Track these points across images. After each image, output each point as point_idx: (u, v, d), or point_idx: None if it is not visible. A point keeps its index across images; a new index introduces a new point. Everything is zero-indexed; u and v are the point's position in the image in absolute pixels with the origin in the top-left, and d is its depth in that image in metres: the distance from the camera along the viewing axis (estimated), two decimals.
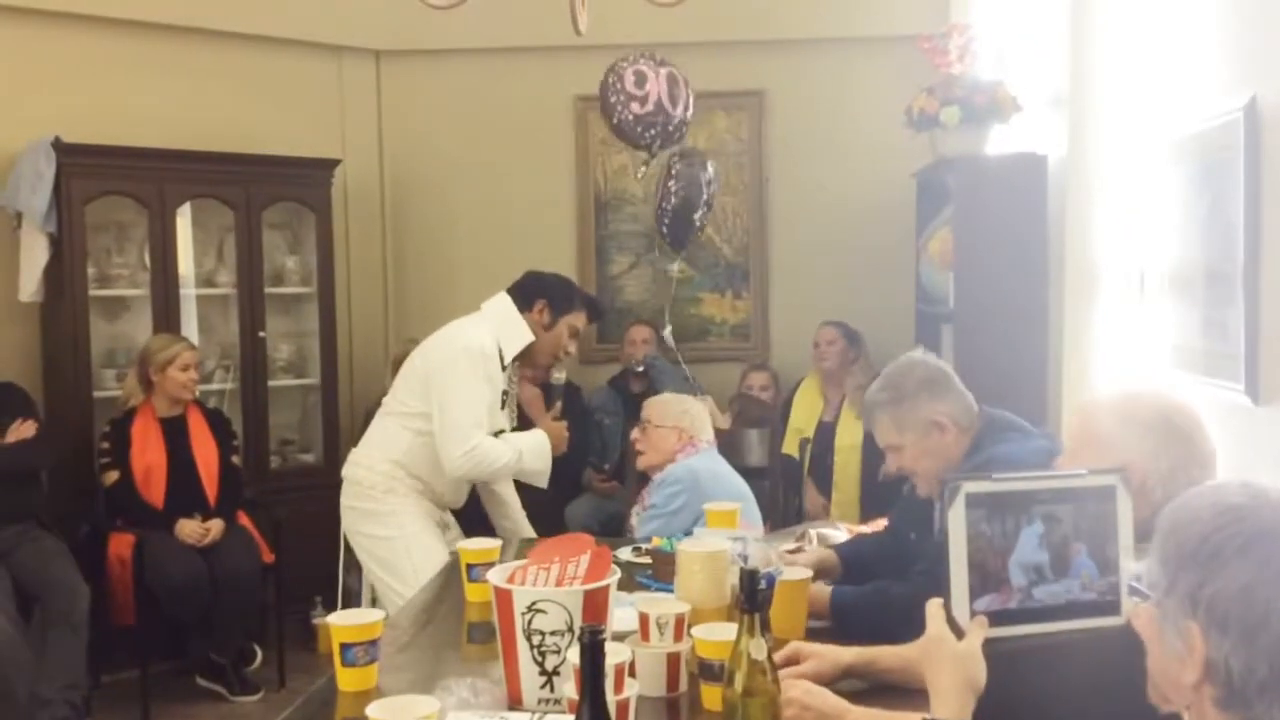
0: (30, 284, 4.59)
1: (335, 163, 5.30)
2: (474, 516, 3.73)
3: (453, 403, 3.27)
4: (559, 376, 3.68)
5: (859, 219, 5.43)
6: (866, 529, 3.11)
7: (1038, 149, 4.03)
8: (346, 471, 3.51)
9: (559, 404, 3.65)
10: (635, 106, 4.37)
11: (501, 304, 3.47)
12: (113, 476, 4.40)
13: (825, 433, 4.98)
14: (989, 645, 1.49)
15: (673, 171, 5.00)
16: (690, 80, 5.52)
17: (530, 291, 3.49)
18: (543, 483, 3.55)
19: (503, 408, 3.45)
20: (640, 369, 5.26)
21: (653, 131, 4.47)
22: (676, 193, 4.92)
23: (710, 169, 5.08)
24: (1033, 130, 4.10)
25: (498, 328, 3.41)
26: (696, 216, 5.00)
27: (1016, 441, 2.37)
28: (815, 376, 5.14)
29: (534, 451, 3.43)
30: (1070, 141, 3.74)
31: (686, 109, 4.56)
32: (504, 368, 3.40)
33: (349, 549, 3.62)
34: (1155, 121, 3.10)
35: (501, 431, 3.42)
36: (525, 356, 3.50)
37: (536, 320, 3.45)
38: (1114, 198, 3.50)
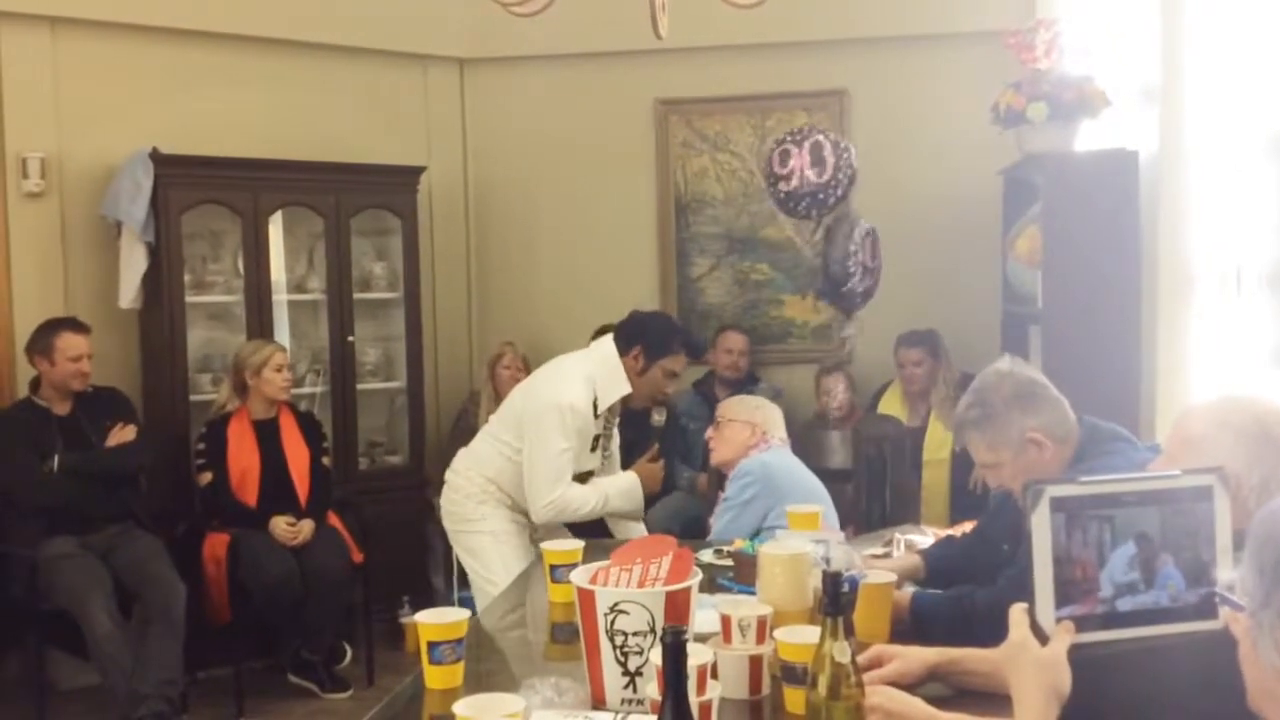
0: (129, 291, 4.73)
1: (421, 170, 5.38)
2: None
3: (539, 457, 3.39)
4: (658, 419, 3.74)
5: (943, 218, 5.35)
6: (955, 531, 3.06)
7: (1128, 144, 3.94)
8: (447, 476, 3.68)
9: (656, 447, 3.68)
10: (783, 185, 4.43)
11: (606, 349, 3.51)
12: (207, 477, 4.52)
13: (912, 438, 4.91)
14: (1075, 651, 1.45)
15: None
16: (776, 84, 5.49)
17: (629, 336, 3.51)
18: (637, 519, 3.65)
19: (593, 450, 3.50)
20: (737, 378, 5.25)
21: (804, 204, 4.51)
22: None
23: (860, 229, 4.70)
24: (1123, 125, 4.01)
25: (598, 375, 3.45)
26: (845, 289, 4.80)
27: (1123, 453, 2.27)
28: (899, 385, 5.08)
29: (623, 495, 3.53)
30: (1162, 136, 3.65)
31: (836, 170, 4.46)
32: (597, 416, 3.45)
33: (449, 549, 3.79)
34: (1252, 115, 3.02)
35: (591, 473, 3.51)
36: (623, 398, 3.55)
37: (632, 366, 3.48)
38: (1209, 194, 3.41)
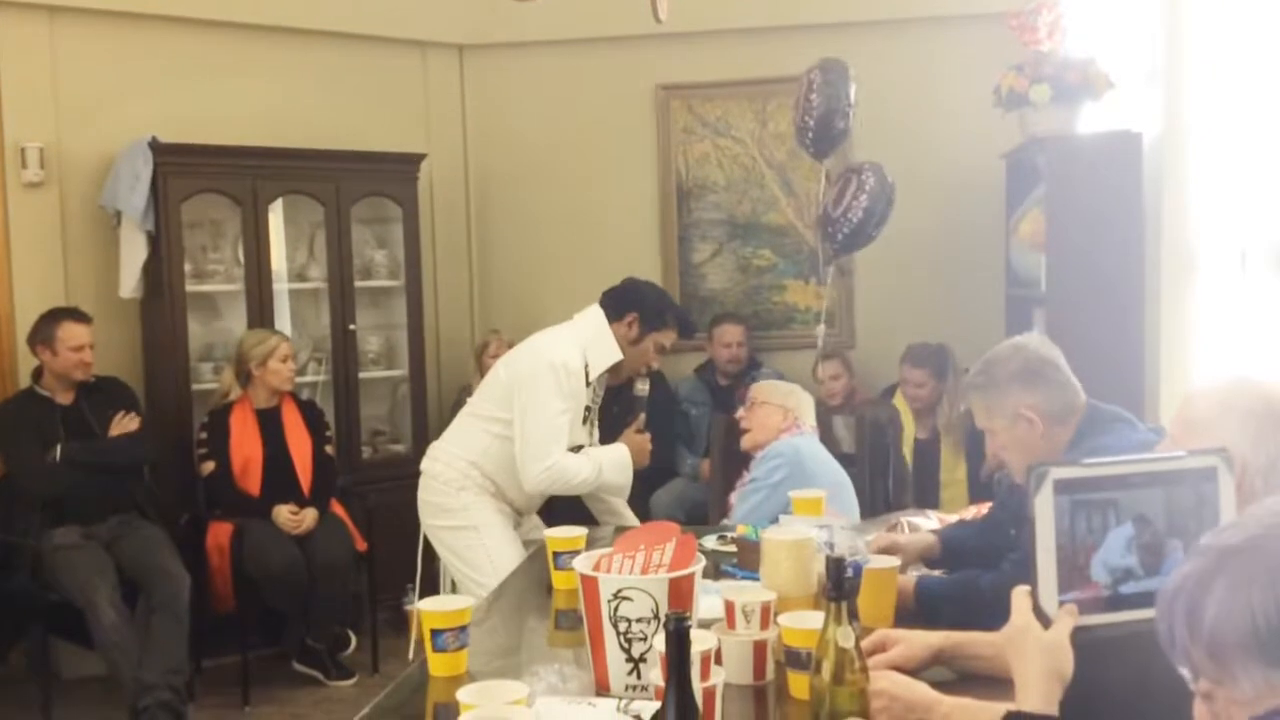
0: (130, 281, 4.73)
1: (421, 157, 5.37)
2: (566, 506, 3.75)
3: (534, 418, 3.27)
4: (642, 389, 3.60)
5: (946, 201, 5.33)
6: (968, 514, 3.06)
7: (1132, 126, 3.92)
8: (424, 465, 3.56)
9: (642, 416, 3.56)
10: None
11: (593, 316, 3.43)
12: (210, 467, 4.53)
13: (922, 451, 4.83)
14: (1077, 634, 1.45)
15: (813, 85, 4.73)
16: (777, 68, 5.44)
17: (623, 302, 3.44)
18: (623, 496, 3.55)
19: (584, 422, 3.41)
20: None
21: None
22: (818, 105, 4.75)
23: (850, 79, 4.77)
24: (1126, 107, 3.99)
25: (586, 342, 3.36)
26: (841, 125, 4.81)
27: (1122, 434, 2.27)
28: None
29: (615, 466, 3.41)
30: (1166, 118, 3.64)
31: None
32: (589, 383, 3.37)
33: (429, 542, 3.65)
34: (1255, 95, 3.00)
35: (581, 447, 3.40)
36: (610, 368, 3.46)
37: (624, 333, 3.39)
38: (1213, 175, 3.40)
